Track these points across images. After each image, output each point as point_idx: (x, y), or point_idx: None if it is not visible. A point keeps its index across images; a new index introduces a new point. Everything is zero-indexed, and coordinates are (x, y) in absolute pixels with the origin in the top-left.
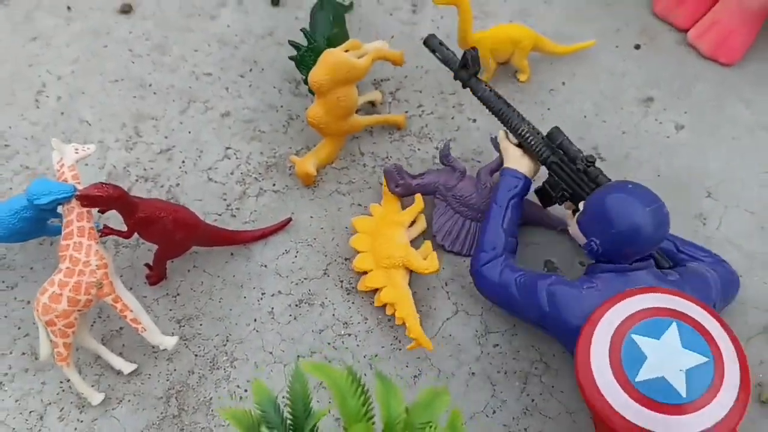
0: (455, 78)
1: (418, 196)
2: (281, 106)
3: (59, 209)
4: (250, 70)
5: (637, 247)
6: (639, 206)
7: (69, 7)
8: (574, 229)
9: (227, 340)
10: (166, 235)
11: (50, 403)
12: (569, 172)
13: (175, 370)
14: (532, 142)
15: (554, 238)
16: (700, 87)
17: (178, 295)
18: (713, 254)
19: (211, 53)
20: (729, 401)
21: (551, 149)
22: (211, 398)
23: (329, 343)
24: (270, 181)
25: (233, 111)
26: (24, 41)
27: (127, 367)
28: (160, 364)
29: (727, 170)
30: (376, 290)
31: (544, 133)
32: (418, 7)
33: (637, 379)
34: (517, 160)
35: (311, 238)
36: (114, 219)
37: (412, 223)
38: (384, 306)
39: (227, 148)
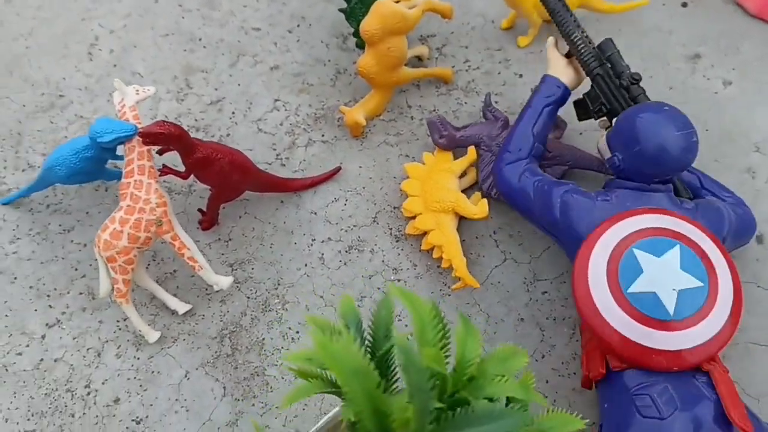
0: None
1: (472, 148)
2: (329, 61)
3: (119, 149)
4: (298, 25)
5: (660, 168)
6: (669, 128)
7: None
8: (602, 142)
9: (279, 284)
10: (223, 177)
11: (107, 341)
12: (612, 87)
13: (228, 311)
14: (583, 50)
15: None
16: (747, 45)
17: (230, 240)
18: (736, 196)
19: (260, 9)
20: (714, 329)
21: (599, 61)
22: (263, 339)
23: (379, 288)
24: (319, 132)
25: (282, 65)
26: None
27: (182, 307)
28: (214, 305)
29: None
30: (424, 234)
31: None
32: None
33: (629, 290)
34: (562, 69)
35: (360, 187)
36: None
37: (464, 174)
38: (431, 250)
39: (276, 100)
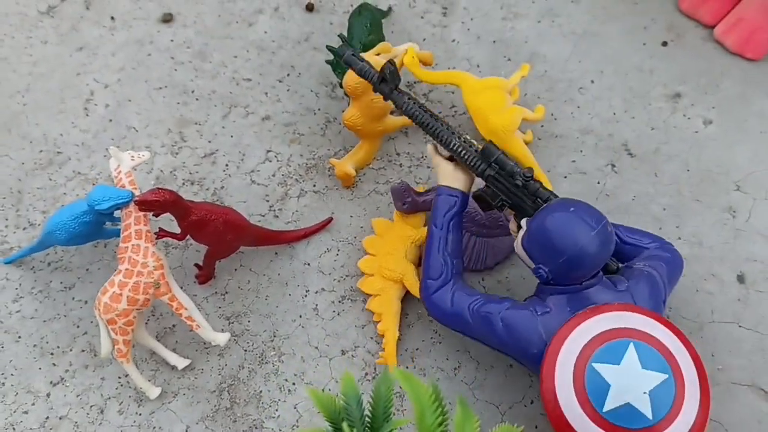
0: (374, 91)
1: None
2: (319, 109)
3: (117, 213)
4: (288, 74)
5: (587, 269)
6: (584, 230)
7: (113, 18)
8: (519, 249)
9: (274, 336)
10: (217, 237)
11: (110, 398)
12: (508, 186)
13: (226, 365)
14: (466, 156)
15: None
16: (727, 83)
17: (226, 293)
18: (656, 237)
19: (250, 59)
20: (692, 412)
21: (487, 162)
22: (261, 391)
23: (371, 338)
24: (311, 182)
25: (273, 115)
26: (71, 51)
27: (181, 363)
28: (212, 359)
29: (755, 163)
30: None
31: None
32: (448, 10)
33: (604, 410)
34: (451, 176)
35: (352, 236)
36: (165, 222)
37: None
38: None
39: (268, 150)
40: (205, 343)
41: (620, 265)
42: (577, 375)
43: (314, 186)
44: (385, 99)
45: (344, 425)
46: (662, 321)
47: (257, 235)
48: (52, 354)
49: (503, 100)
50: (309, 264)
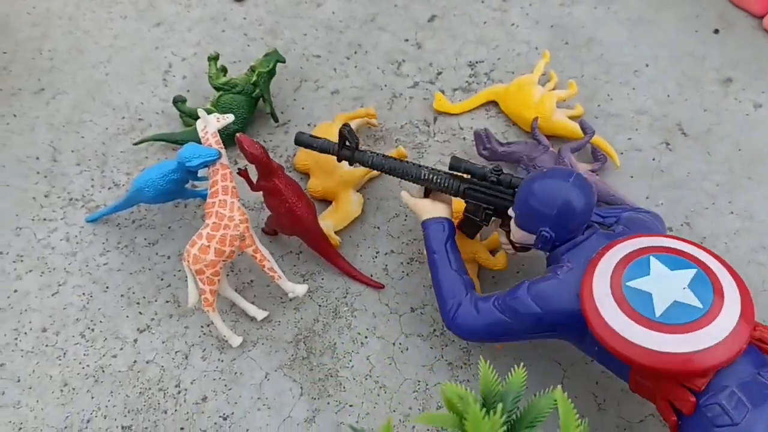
0: (339, 160)
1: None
2: (385, 85)
3: (201, 173)
4: (355, 52)
5: (580, 217)
6: (561, 183)
7: None
8: (517, 234)
9: (347, 293)
10: (278, 216)
11: (193, 345)
12: (484, 190)
13: (301, 318)
14: (438, 180)
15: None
16: None
17: (300, 252)
18: (629, 206)
19: (319, 37)
20: (735, 296)
21: (459, 179)
22: (335, 343)
23: None
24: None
25: (341, 89)
26: (149, 26)
27: (260, 314)
28: (288, 313)
29: None
30: None
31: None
32: None
33: (657, 316)
34: (431, 209)
35: None
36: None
37: None
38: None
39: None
40: (281, 297)
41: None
42: (619, 300)
43: None
44: (350, 163)
45: (499, 407)
46: (668, 235)
47: (314, 239)
48: (138, 303)
49: (530, 93)
50: (378, 228)
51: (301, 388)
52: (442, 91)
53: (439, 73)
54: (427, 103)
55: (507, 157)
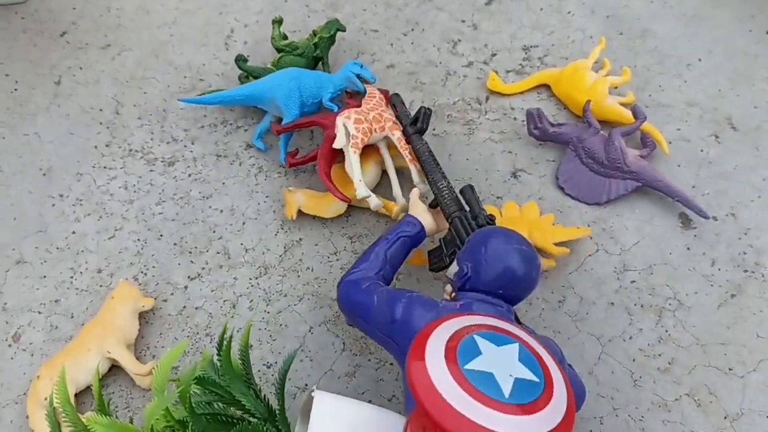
0: (403, 133)
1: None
2: (440, 63)
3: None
4: (412, 29)
5: (505, 279)
6: (508, 241)
7: None
8: (451, 267)
9: None
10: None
11: (241, 295)
12: (467, 227)
13: None
14: (446, 195)
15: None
16: None
17: (349, 215)
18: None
19: (377, 13)
20: (546, 425)
21: (460, 207)
22: None
23: None
24: (430, 126)
25: (397, 64)
26: None
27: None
28: (335, 271)
29: None
30: None
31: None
32: None
33: (466, 366)
34: (421, 213)
35: (467, 177)
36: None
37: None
38: None
39: (392, 94)
40: (329, 256)
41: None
42: (454, 336)
43: (434, 129)
44: (406, 137)
45: None
46: (554, 358)
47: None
48: (190, 253)
49: (584, 78)
50: (426, 198)
51: (344, 343)
52: (496, 72)
53: (494, 55)
54: (480, 83)
55: (557, 137)
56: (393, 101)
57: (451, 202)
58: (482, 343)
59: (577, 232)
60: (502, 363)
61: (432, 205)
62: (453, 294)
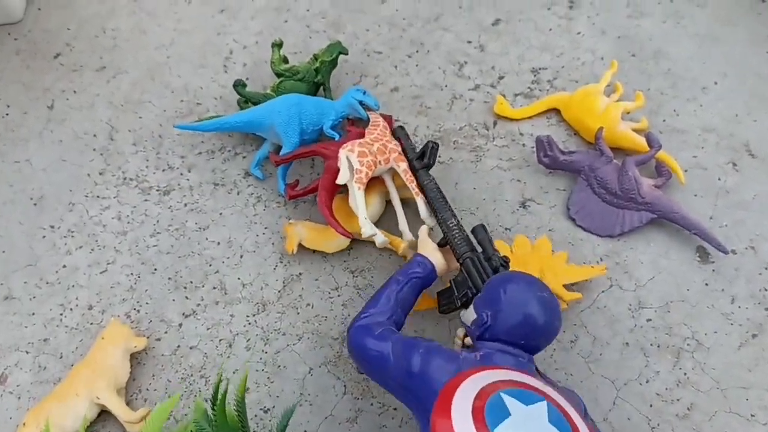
0: (408, 164)
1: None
2: (446, 86)
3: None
4: (417, 51)
5: (526, 328)
6: (532, 288)
7: None
8: (467, 312)
9: None
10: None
11: (238, 334)
12: (480, 270)
13: (349, 315)
14: (456, 234)
15: None
16: None
17: (351, 248)
18: None
19: (381, 33)
20: (578, 417)
21: (471, 247)
22: None
23: None
24: None
25: (401, 87)
26: (213, 12)
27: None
28: (336, 308)
29: None
30: None
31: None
32: (574, 3)
33: (496, 430)
34: (431, 252)
35: (474, 207)
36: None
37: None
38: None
39: (396, 119)
40: (330, 292)
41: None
42: (481, 393)
43: (439, 157)
44: (414, 171)
45: None
46: (582, 415)
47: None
48: (185, 288)
49: (596, 103)
50: (433, 229)
51: (345, 386)
52: (504, 95)
53: (501, 78)
54: (488, 107)
55: (568, 166)
56: (398, 134)
57: (461, 242)
58: (510, 403)
59: (592, 272)
60: (533, 425)
61: (441, 244)
62: (469, 341)
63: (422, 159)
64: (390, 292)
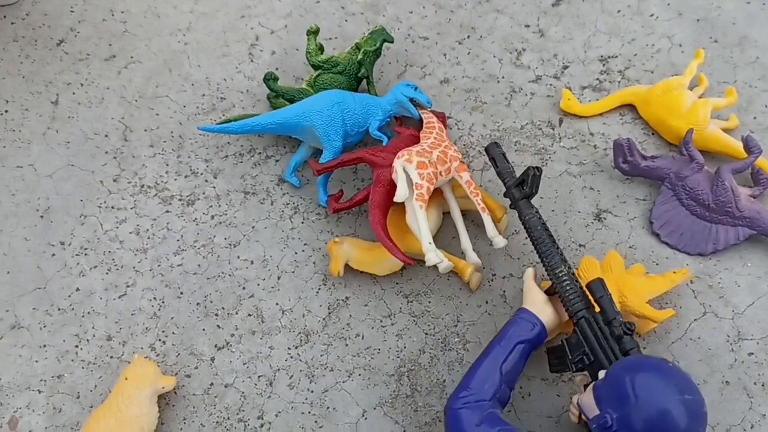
0: (505, 195)
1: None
2: (502, 77)
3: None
4: (468, 36)
5: None
6: (674, 389)
7: None
8: (585, 398)
9: (458, 321)
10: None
11: (279, 369)
12: (599, 335)
13: (405, 347)
14: (568, 288)
15: None
16: None
17: (404, 269)
18: None
19: (426, 16)
20: None
21: (586, 303)
22: (444, 380)
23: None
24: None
25: (452, 78)
26: None
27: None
28: (390, 339)
29: None
30: None
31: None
32: None
33: None
34: (540, 306)
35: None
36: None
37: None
38: None
39: (448, 117)
40: (381, 320)
41: None
42: None
43: None
44: (512, 206)
45: None
46: None
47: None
48: (216, 315)
49: (681, 99)
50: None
51: (404, 431)
52: (569, 88)
53: (566, 67)
54: (551, 102)
55: (650, 173)
56: (492, 153)
57: (575, 297)
58: None
59: (676, 278)
60: None
61: (549, 292)
62: None
63: (522, 187)
64: (492, 365)
